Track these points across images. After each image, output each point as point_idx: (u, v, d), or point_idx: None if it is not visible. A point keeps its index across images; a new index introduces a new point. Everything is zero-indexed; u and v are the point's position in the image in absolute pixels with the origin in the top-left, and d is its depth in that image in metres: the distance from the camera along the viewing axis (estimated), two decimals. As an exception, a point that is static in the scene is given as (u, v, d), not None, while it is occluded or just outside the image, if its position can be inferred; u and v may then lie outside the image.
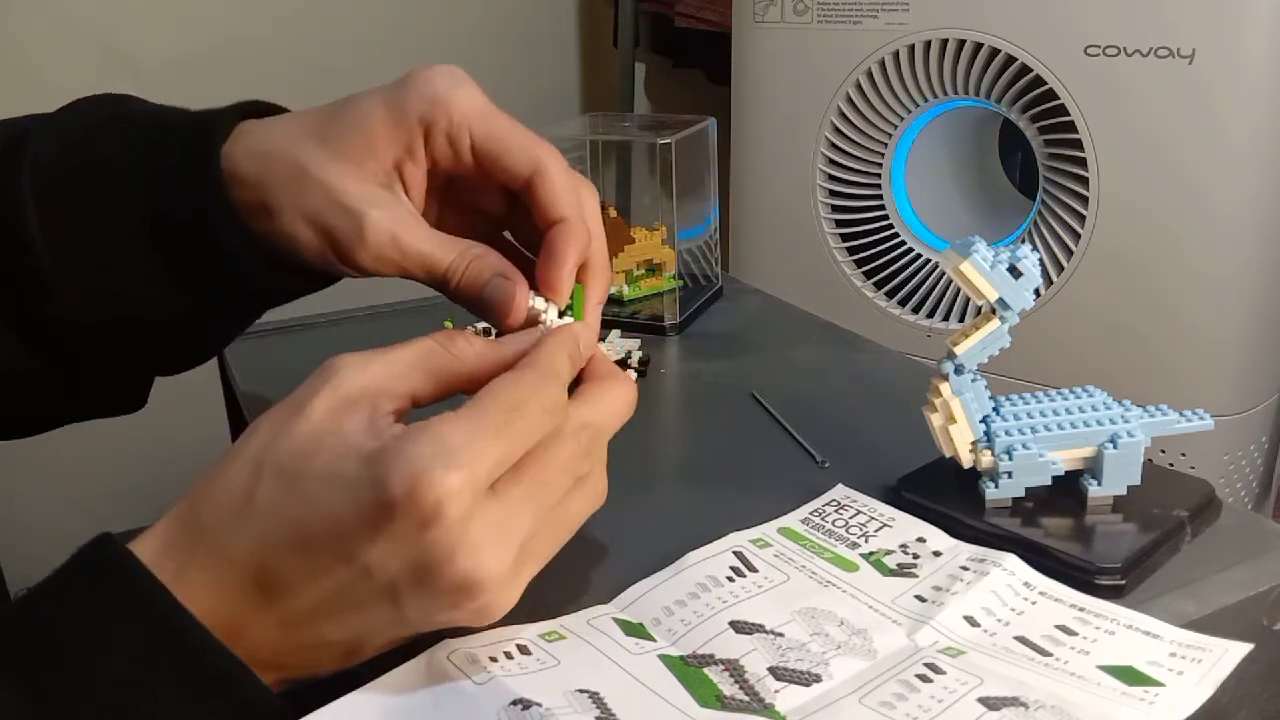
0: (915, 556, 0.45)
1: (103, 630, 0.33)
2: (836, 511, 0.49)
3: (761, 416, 0.62)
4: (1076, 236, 1.06)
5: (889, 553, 0.45)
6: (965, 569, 0.44)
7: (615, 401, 0.41)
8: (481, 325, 0.48)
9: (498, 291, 0.43)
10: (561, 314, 0.44)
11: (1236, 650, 0.38)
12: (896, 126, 1.16)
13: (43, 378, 0.48)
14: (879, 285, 1.21)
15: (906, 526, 0.47)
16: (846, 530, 0.47)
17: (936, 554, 0.45)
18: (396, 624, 0.36)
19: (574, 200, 0.44)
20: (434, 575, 0.34)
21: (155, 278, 0.46)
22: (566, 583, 0.44)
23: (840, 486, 0.51)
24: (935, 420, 0.48)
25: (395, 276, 0.44)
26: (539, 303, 0.44)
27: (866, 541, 0.46)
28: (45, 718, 0.32)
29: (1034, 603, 0.42)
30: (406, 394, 0.38)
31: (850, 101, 1.17)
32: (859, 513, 0.49)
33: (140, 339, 0.49)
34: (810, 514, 0.49)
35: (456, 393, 0.40)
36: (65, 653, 0.33)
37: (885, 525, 0.47)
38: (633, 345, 0.72)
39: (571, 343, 0.41)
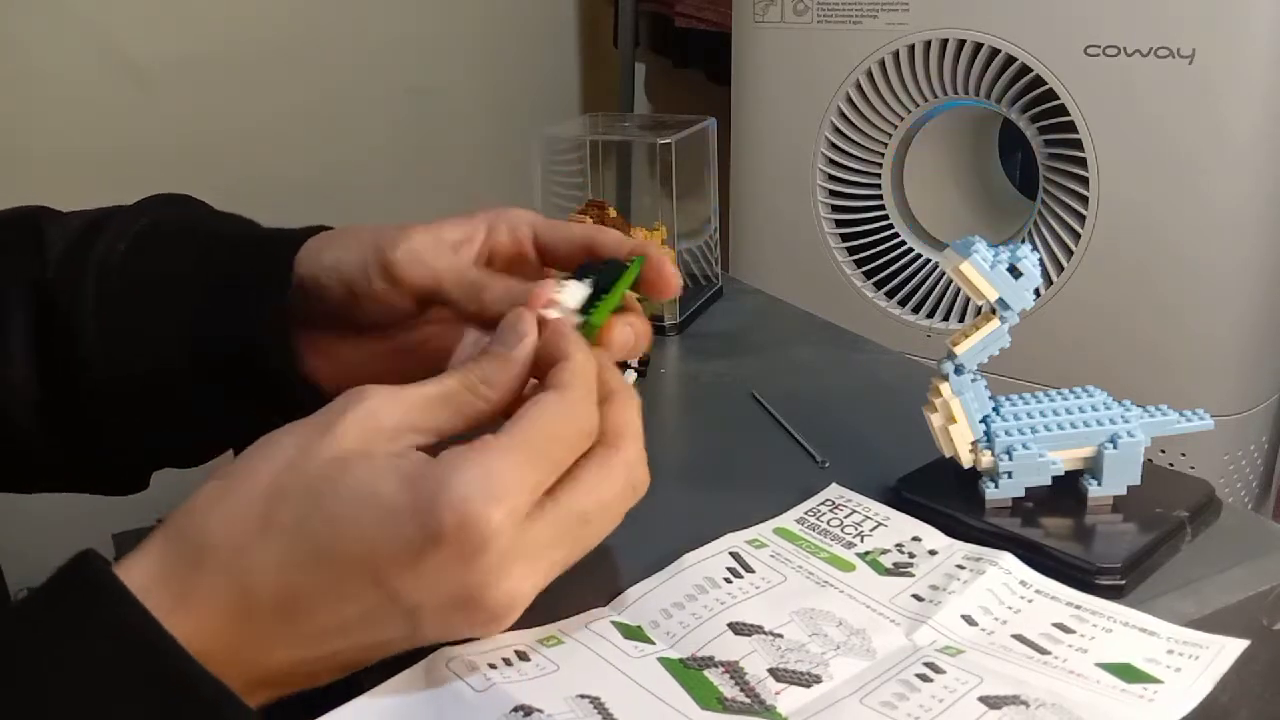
0: (911, 556, 0.45)
1: (76, 649, 0.32)
2: (831, 511, 0.49)
3: (761, 416, 0.62)
4: (1076, 236, 1.06)
5: (885, 552, 0.45)
6: (961, 568, 0.44)
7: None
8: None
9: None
10: (592, 304, 0.44)
11: (1234, 646, 0.38)
12: (896, 126, 1.16)
13: (49, 441, 0.50)
14: (879, 285, 1.21)
15: (901, 525, 0.47)
16: (842, 530, 0.47)
17: (932, 553, 0.45)
18: (410, 640, 0.36)
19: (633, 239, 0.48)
20: (470, 603, 0.34)
21: (193, 378, 0.48)
22: (564, 585, 0.43)
23: (834, 486, 0.51)
24: (935, 420, 0.48)
25: (419, 292, 0.46)
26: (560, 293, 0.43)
27: (862, 541, 0.46)
28: None
29: (1031, 601, 0.42)
30: (434, 429, 0.38)
31: (850, 101, 1.16)
32: (854, 512, 0.49)
33: (164, 431, 0.51)
34: (805, 514, 0.49)
35: (482, 426, 0.39)
36: (28, 672, 0.31)
37: (880, 524, 0.47)
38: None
39: (589, 360, 0.40)
